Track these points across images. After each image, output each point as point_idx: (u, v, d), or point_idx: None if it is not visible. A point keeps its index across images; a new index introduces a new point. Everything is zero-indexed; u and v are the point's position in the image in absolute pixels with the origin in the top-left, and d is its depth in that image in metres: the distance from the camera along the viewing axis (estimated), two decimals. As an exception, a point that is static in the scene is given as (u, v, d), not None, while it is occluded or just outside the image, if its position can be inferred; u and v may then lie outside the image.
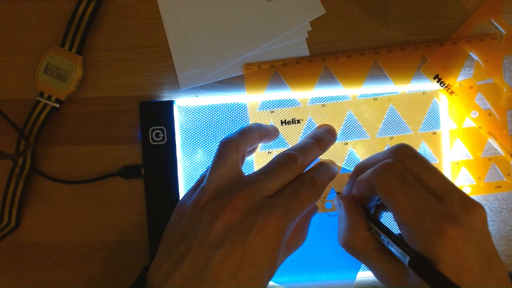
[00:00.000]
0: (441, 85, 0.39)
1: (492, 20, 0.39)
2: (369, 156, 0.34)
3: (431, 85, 0.39)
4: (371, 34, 0.40)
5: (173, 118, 0.39)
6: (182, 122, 0.40)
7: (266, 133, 0.35)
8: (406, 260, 0.27)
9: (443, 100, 0.40)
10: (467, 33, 0.39)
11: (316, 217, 0.38)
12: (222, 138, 0.32)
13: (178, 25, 0.40)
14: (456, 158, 0.40)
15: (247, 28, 0.40)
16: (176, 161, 0.39)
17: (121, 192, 0.40)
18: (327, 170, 0.34)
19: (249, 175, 0.31)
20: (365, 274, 0.40)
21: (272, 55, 0.40)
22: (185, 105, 0.40)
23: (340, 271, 0.40)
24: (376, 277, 0.31)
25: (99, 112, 0.40)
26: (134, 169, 0.40)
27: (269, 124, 0.39)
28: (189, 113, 0.40)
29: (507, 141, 0.39)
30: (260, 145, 0.39)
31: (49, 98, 0.39)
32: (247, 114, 0.40)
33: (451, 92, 0.39)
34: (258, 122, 0.39)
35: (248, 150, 0.34)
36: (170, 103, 0.39)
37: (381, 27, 0.40)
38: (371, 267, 0.31)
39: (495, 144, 0.39)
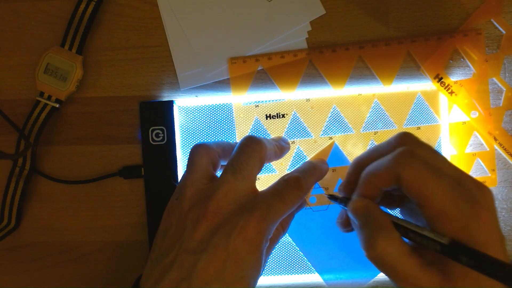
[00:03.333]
0: (441, 85, 0.39)
1: (492, 20, 0.39)
2: (368, 149, 0.33)
3: (415, 80, 0.39)
4: (371, 34, 0.40)
5: (173, 118, 0.39)
6: (182, 122, 0.40)
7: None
8: (445, 245, 0.25)
9: (435, 94, 0.39)
10: (472, 29, 0.39)
11: (301, 212, 0.38)
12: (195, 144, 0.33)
13: (178, 25, 0.40)
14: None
15: (247, 28, 0.40)
16: (176, 161, 0.39)
17: (121, 192, 0.40)
18: (314, 170, 0.33)
19: (221, 176, 0.31)
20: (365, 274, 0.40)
21: (272, 55, 0.40)
22: (185, 105, 0.40)
23: (327, 266, 0.40)
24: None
25: (99, 112, 0.40)
26: (134, 169, 0.40)
27: (253, 118, 0.39)
28: (189, 113, 0.40)
29: (507, 141, 0.39)
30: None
31: (49, 98, 0.39)
32: (232, 109, 0.40)
33: (451, 92, 0.39)
34: (243, 116, 0.39)
35: (221, 159, 0.33)
36: (170, 103, 0.39)
37: (381, 27, 0.40)
38: (403, 278, 0.26)
39: (495, 144, 0.39)
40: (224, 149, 0.34)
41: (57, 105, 0.39)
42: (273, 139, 0.37)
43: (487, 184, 0.40)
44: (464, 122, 0.40)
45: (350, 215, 0.29)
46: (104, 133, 0.40)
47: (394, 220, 0.28)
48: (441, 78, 0.39)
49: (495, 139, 0.39)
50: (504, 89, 0.39)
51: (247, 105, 0.40)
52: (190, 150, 0.32)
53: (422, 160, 0.27)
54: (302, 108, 0.40)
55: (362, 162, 0.31)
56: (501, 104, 0.40)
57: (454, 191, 0.26)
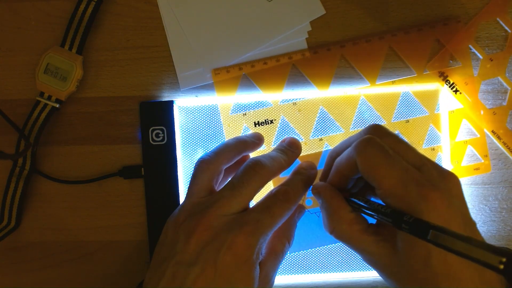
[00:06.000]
0: (447, 83, 0.39)
1: (497, 18, 0.39)
2: (341, 140, 0.34)
3: (400, 75, 0.39)
4: (371, 34, 0.39)
5: (173, 118, 0.39)
6: (182, 122, 0.40)
7: (244, 147, 0.36)
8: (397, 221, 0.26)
9: (420, 87, 0.39)
10: (473, 31, 0.39)
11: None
12: (199, 157, 0.34)
13: (178, 25, 0.40)
14: (432, 144, 0.40)
15: (247, 28, 0.40)
16: (176, 161, 0.39)
17: (121, 192, 0.40)
18: (301, 180, 0.34)
19: (219, 191, 0.32)
20: (365, 274, 0.40)
21: (273, 55, 0.39)
22: (185, 105, 0.40)
23: (328, 266, 0.40)
24: (366, 261, 0.30)
25: (99, 112, 0.40)
26: (134, 169, 0.40)
27: (242, 126, 0.39)
28: (189, 113, 0.40)
29: (511, 140, 0.39)
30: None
31: (49, 98, 0.39)
32: (219, 117, 0.40)
33: (456, 91, 0.39)
34: (232, 125, 0.40)
35: (226, 167, 0.34)
36: (170, 103, 0.39)
37: (381, 27, 0.39)
38: (360, 251, 0.30)
39: (498, 143, 0.39)
40: (227, 157, 0.34)
41: (57, 105, 0.39)
42: (281, 151, 0.35)
43: (481, 170, 0.40)
44: (453, 111, 0.39)
45: (315, 197, 0.33)
46: (104, 133, 0.40)
47: (353, 201, 0.31)
48: (446, 76, 0.39)
49: (499, 138, 0.39)
50: (509, 88, 0.39)
51: (235, 114, 0.39)
52: (195, 164, 0.34)
53: (378, 147, 0.28)
54: (289, 112, 0.39)
55: (334, 153, 0.33)
56: (505, 103, 0.39)
57: (406, 174, 0.27)
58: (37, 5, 0.40)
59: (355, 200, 0.31)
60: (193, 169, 0.33)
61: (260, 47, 0.39)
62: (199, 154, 0.40)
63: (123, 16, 0.40)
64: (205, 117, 0.40)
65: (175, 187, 0.39)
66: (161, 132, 0.39)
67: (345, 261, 0.40)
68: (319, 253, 0.40)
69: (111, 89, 0.40)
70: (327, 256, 0.40)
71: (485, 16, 0.39)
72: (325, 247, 0.40)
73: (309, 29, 0.39)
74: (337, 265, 0.40)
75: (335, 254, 0.40)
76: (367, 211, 0.29)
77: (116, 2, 0.40)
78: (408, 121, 0.40)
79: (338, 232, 0.30)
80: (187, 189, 0.33)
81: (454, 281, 0.26)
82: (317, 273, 0.40)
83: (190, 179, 0.34)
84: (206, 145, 0.40)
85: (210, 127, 0.40)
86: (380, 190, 0.28)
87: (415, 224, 0.25)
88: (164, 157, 0.39)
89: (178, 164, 0.39)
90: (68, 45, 0.39)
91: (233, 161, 0.35)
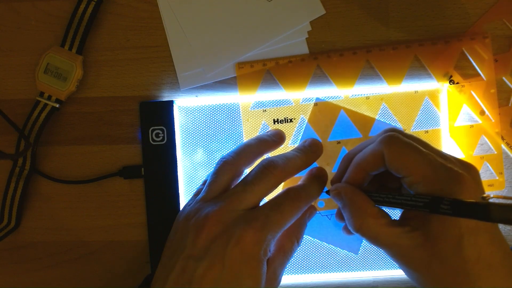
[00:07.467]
0: (451, 83, 0.39)
1: (503, 19, 0.39)
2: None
3: (422, 84, 0.39)
4: (371, 34, 0.39)
5: (173, 118, 0.39)
6: (182, 122, 0.40)
7: (265, 148, 0.35)
8: (427, 205, 0.27)
9: (442, 98, 0.39)
10: (478, 32, 0.39)
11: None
12: (221, 156, 0.34)
13: (178, 25, 0.40)
14: None
15: (247, 28, 0.40)
16: (176, 161, 0.39)
17: (121, 192, 0.40)
18: (314, 183, 0.34)
19: (232, 188, 0.32)
20: (365, 274, 0.40)
21: (272, 55, 0.40)
22: (185, 105, 0.40)
23: (338, 267, 0.40)
24: (394, 257, 0.30)
25: (99, 112, 0.40)
26: (134, 169, 0.40)
27: (261, 122, 0.39)
28: (189, 113, 0.40)
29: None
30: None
31: (49, 98, 0.39)
32: (239, 113, 0.40)
33: (460, 91, 0.39)
34: (251, 120, 0.40)
35: (246, 168, 0.35)
36: (170, 103, 0.39)
37: (381, 27, 0.40)
38: (388, 246, 0.29)
39: (502, 144, 0.39)
40: (249, 159, 0.34)
41: (57, 105, 0.39)
42: (301, 151, 0.35)
43: (495, 187, 0.40)
44: (472, 125, 0.39)
45: (333, 199, 0.33)
46: (104, 133, 0.40)
47: (376, 195, 0.31)
48: (451, 76, 0.39)
49: (503, 139, 0.39)
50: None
51: (255, 110, 0.40)
52: (217, 162, 0.34)
53: (404, 140, 0.30)
54: (309, 113, 0.39)
55: (351, 155, 0.33)
56: (510, 104, 0.39)
57: (435, 161, 0.28)
58: (37, 5, 0.40)
59: (378, 193, 0.31)
60: (214, 166, 0.33)
61: (260, 47, 0.39)
62: (199, 154, 0.40)
63: (123, 16, 0.40)
64: (205, 117, 0.40)
65: (175, 187, 0.39)
66: (161, 132, 0.39)
67: (345, 261, 0.40)
68: (319, 253, 0.40)
69: (111, 89, 0.40)
70: (327, 256, 0.40)
71: (491, 17, 0.39)
72: (325, 247, 0.40)
73: (309, 29, 0.39)
74: (337, 265, 0.40)
75: (335, 254, 0.40)
76: (395, 200, 0.29)
77: (116, 2, 0.40)
78: (427, 131, 0.40)
79: (365, 227, 0.30)
80: (206, 185, 0.33)
81: (484, 266, 0.26)
82: (317, 273, 0.40)
83: (209, 174, 0.33)
84: (206, 145, 0.40)
85: (210, 127, 0.40)
86: (409, 176, 0.28)
87: (459, 203, 0.25)
88: (164, 157, 0.39)
89: (178, 164, 0.39)
90: (68, 45, 0.39)
91: (253, 162, 0.35)
